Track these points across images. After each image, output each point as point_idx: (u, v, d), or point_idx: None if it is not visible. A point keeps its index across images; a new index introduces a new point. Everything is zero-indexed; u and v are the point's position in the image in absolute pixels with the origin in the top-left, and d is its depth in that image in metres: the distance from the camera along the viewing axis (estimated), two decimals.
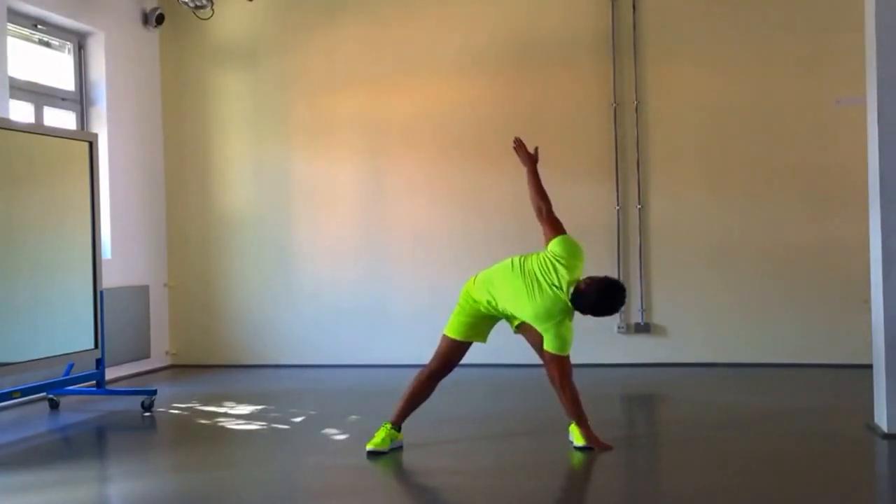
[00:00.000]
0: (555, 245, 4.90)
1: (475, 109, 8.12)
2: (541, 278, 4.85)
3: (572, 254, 4.86)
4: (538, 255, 4.95)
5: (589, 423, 5.02)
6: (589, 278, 4.85)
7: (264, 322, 8.45)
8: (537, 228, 5.14)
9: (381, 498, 4.51)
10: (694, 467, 4.76)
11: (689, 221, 7.87)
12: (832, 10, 7.60)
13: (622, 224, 7.92)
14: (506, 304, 4.98)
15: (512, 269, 4.95)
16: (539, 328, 4.93)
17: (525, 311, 4.91)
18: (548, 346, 4.93)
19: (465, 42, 8.15)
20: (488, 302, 5.02)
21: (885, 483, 4.66)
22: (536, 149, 5.22)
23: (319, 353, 8.30)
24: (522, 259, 4.97)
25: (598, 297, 4.79)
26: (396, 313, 8.23)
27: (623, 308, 7.58)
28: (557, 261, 4.84)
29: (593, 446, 4.95)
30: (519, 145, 5.23)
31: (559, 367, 4.94)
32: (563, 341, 4.90)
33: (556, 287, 4.81)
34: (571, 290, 4.80)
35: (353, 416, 6.05)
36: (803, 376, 7.23)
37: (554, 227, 4.99)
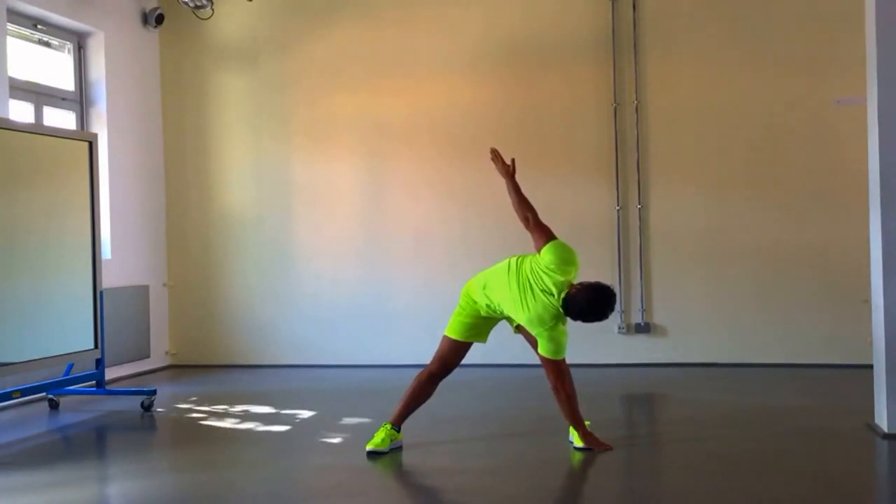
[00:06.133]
0: (546, 252, 4.84)
1: (475, 110, 8.12)
2: (533, 283, 4.83)
3: (564, 260, 4.82)
4: (533, 257, 4.93)
5: (586, 424, 5.02)
6: (580, 284, 4.82)
7: (264, 322, 8.45)
8: None
9: (380, 498, 4.51)
10: (694, 467, 4.75)
11: (689, 221, 7.87)
12: (832, 10, 7.60)
13: (622, 224, 7.91)
14: (503, 306, 4.97)
15: (508, 273, 4.94)
16: (533, 332, 4.93)
17: (519, 315, 4.90)
18: (542, 350, 4.93)
19: (464, 43, 8.15)
20: (488, 305, 5.02)
21: (885, 483, 4.66)
22: (513, 160, 5.17)
23: (319, 353, 8.31)
24: (519, 261, 4.95)
25: (588, 303, 4.76)
26: (396, 313, 8.23)
27: (621, 310, 7.70)
28: (548, 267, 4.81)
29: (592, 447, 4.96)
30: (495, 156, 5.19)
31: (555, 370, 4.94)
32: (557, 345, 4.89)
33: (548, 293, 4.80)
34: (563, 294, 4.79)
35: (353, 417, 6.05)
36: (803, 376, 7.23)
37: (543, 234, 4.92)
